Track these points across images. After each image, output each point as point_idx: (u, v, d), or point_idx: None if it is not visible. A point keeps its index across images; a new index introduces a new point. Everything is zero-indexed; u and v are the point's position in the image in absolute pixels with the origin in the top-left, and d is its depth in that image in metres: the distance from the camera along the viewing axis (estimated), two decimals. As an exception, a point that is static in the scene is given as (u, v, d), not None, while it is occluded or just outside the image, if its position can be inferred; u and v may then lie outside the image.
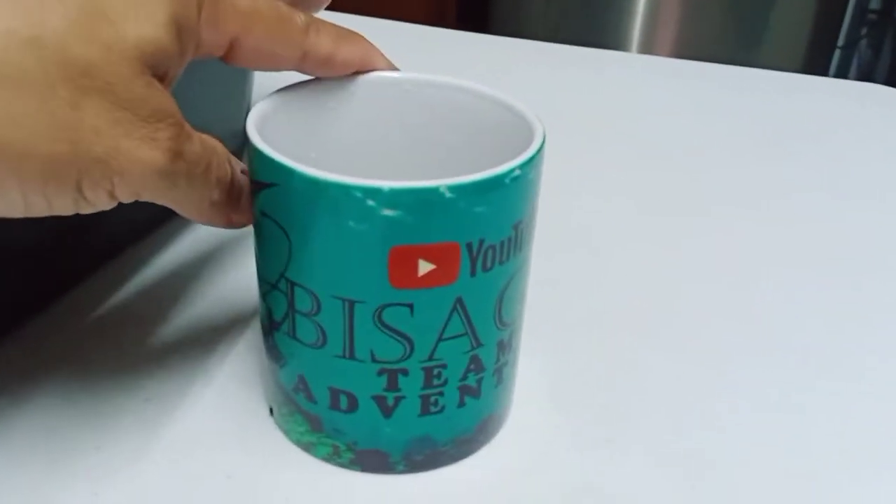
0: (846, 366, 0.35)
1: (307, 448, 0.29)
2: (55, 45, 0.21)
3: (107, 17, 0.22)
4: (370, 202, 0.23)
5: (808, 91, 0.64)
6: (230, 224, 0.28)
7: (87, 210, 0.23)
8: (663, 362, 0.35)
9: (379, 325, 0.25)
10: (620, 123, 0.57)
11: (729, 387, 0.34)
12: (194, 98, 0.39)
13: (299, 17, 0.27)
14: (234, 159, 0.28)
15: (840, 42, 2.01)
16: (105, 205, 0.23)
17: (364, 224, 0.24)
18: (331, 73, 0.29)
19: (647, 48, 1.61)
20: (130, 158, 0.22)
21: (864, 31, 2.14)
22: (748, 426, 0.32)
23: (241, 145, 0.45)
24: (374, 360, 0.26)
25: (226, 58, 0.27)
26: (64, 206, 0.23)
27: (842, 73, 2.18)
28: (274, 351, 0.28)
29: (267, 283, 0.27)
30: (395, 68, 0.30)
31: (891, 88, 0.64)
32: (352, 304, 0.25)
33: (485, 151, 0.29)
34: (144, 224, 0.42)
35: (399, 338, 0.26)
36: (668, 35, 1.62)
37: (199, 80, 0.38)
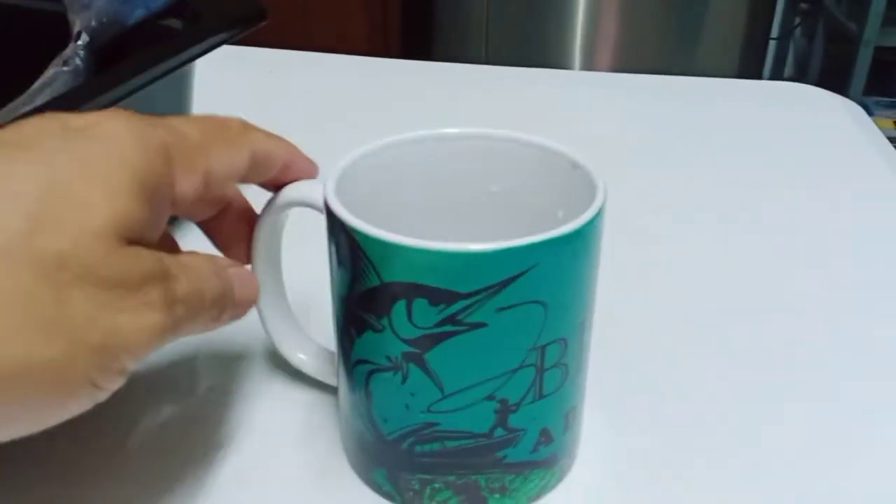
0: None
1: None
2: (21, 248, 0.20)
3: (69, 200, 0.21)
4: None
5: (740, 94, 0.66)
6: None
7: (104, 398, 0.22)
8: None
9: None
10: (564, 140, 0.58)
11: (778, 401, 0.34)
12: None
13: (233, 122, 0.28)
14: (217, 263, 0.27)
15: (774, 34, 2.06)
16: (119, 383, 0.23)
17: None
18: (269, 172, 0.29)
19: (588, 64, 1.64)
20: (132, 331, 0.22)
21: (797, 21, 2.19)
22: (814, 455, 0.32)
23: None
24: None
25: (200, 197, 0.26)
26: (81, 405, 0.22)
27: (779, 64, 2.23)
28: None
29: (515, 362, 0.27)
30: (313, 165, 0.30)
31: (818, 88, 0.66)
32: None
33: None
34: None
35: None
36: (608, 49, 1.64)
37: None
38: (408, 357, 0.26)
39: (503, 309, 0.25)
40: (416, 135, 0.31)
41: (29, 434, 0.22)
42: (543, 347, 0.27)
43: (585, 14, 1.60)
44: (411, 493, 0.29)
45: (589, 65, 1.62)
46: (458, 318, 0.25)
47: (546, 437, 0.29)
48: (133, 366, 0.23)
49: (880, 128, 0.60)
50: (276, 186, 0.30)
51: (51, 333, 0.20)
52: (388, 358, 0.27)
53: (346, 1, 1.78)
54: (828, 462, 0.32)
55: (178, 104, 0.44)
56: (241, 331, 0.36)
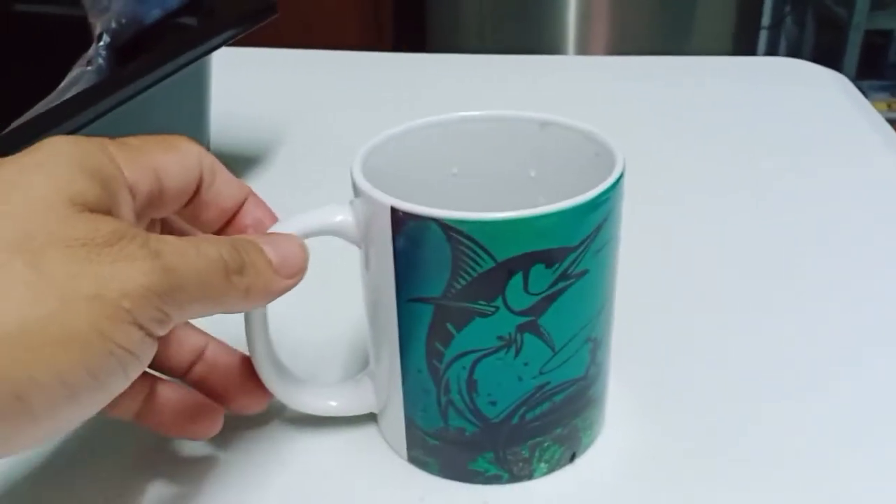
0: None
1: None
2: None
3: (12, 186, 0.22)
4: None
5: (733, 71, 0.68)
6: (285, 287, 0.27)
7: (133, 363, 0.23)
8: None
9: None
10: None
11: (813, 385, 0.35)
12: (153, 123, 0.42)
13: (178, 136, 0.28)
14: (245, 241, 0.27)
15: (766, 22, 2.08)
16: (145, 343, 0.23)
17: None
18: (224, 190, 0.29)
19: (583, 49, 1.65)
20: (122, 277, 0.22)
21: (787, 9, 2.21)
22: (840, 427, 0.33)
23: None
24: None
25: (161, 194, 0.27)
26: (110, 370, 0.22)
27: (771, 53, 2.25)
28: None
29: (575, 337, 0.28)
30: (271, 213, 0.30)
31: (808, 63, 0.68)
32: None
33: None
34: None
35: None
36: (602, 34, 1.66)
37: (156, 105, 0.40)
38: (522, 328, 0.27)
39: (599, 251, 0.27)
40: (422, 122, 0.32)
41: (89, 414, 0.23)
42: (614, 281, 0.30)
43: (577, 6, 1.62)
44: (521, 464, 0.30)
45: (584, 49, 1.65)
46: (569, 271, 0.27)
47: (609, 366, 0.32)
48: (149, 320, 0.22)
49: (876, 110, 0.61)
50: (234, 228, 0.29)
51: (38, 292, 0.21)
52: (500, 338, 0.27)
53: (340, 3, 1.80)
54: (867, 447, 0.32)
55: (197, 98, 0.46)
56: None
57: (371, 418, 0.33)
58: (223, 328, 0.31)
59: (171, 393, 0.29)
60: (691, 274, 0.42)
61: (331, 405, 0.32)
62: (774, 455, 0.31)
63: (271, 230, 0.29)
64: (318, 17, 1.72)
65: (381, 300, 0.29)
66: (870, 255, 0.43)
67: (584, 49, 1.68)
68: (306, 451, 0.32)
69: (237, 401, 0.31)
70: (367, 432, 0.33)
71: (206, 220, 0.29)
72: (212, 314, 0.25)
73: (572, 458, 0.31)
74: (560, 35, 1.66)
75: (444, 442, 0.30)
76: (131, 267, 0.22)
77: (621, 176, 0.28)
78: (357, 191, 0.28)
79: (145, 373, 0.28)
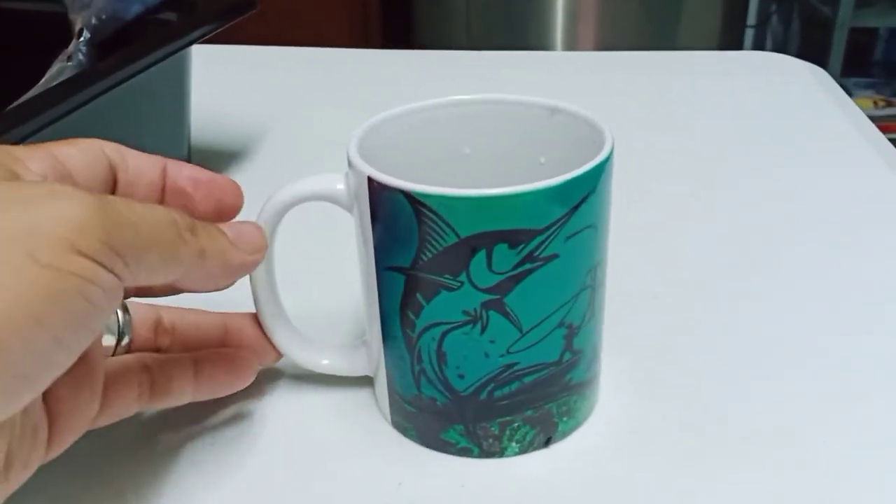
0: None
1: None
2: None
3: None
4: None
5: (717, 65, 0.69)
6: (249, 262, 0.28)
7: (96, 293, 0.22)
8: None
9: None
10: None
11: (812, 365, 0.36)
12: (134, 125, 0.42)
13: None
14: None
15: (752, 21, 2.09)
16: (109, 278, 0.22)
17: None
18: (141, 167, 0.29)
19: (571, 47, 1.66)
20: (57, 210, 0.22)
21: (773, 7, 2.23)
22: (829, 405, 0.33)
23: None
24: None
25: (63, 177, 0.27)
26: (73, 303, 0.21)
27: (757, 51, 2.26)
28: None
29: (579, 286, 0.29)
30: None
31: (788, 57, 0.69)
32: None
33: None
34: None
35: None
36: (589, 33, 1.67)
37: (136, 98, 0.41)
38: (487, 305, 0.28)
39: (570, 237, 0.28)
40: (413, 106, 0.33)
41: (76, 352, 0.22)
42: (595, 269, 0.30)
43: (565, 5, 1.63)
44: (491, 440, 0.31)
45: (571, 46, 1.66)
46: (535, 254, 0.27)
47: (595, 354, 0.32)
48: (97, 251, 0.22)
49: (861, 108, 0.62)
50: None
51: None
52: (465, 312, 0.28)
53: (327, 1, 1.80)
54: (850, 424, 0.32)
55: (176, 92, 0.47)
56: None
57: (369, 383, 0.34)
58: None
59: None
60: (675, 263, 0.43)
61: (322, 363, 0.34)
62: (763, 440, 0.31)
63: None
64: (305, 14, 1.73)
65: (366, 267, 0.30)
66: (847, 243, 0.44)
67: (571, 47, 1.69)
68: (301, 407, 0.34)
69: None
70: (363, 396, 0.34)
71: (141, 199, 0.29)
72: (174, 275, 0.25)
73: (547, 442, 0.31)
74: (548, 33, 1.67)
75: (419, 410, 0.31)
76: (66, 200, 0.22)
77: (599, 165, 0.28)
78: (348, 161, 0.29)
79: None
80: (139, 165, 0.29)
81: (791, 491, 0.29)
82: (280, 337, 0.33)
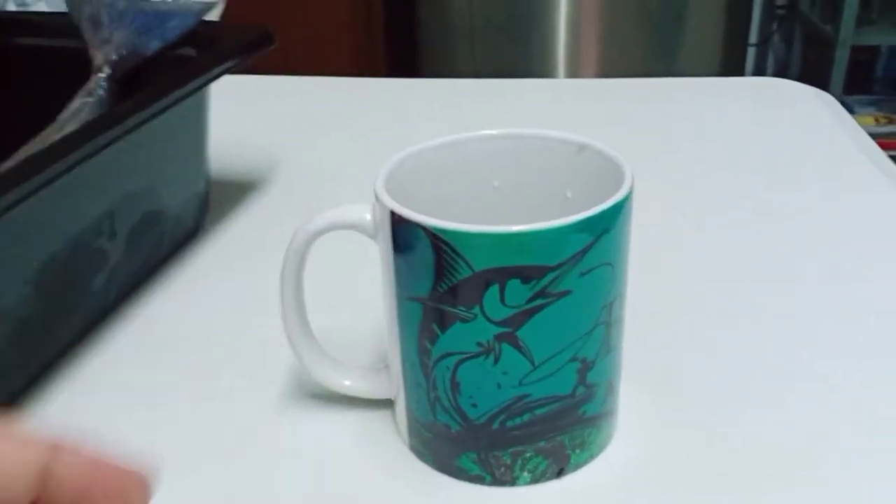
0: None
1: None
2: None
3: None
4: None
5: (719, 91, 0.70)
6: None
7: None
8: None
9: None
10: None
11: (819, 379, 0.37)
12: (153, 161, 0.43)
13: None
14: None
15: (753, 40, 2.11)
16: None
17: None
18: None
19: (574, 70, 1.68)
20: None
21: (774, 26, 2.24)
22: (852, 431, 0.34)
23: (200, 206, 0.49)
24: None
25: None
26: None
27: (759, 70, 2.28)
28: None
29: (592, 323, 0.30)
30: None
31: (793, 82, 0.70)
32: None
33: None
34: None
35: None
36: (592, 54, 1.69)
37: (157, 136, 0.42)
38: (500, 338, 0.29)
39: (584, 274, 0.28)
40: (436, 143, 0.34)
41: None
42: (611, 305, 0.30)
43: (567, 25, 1.65)
44: (503, 469, 0.31)
45: (574, 72, 1.67)
46: (548, 290, 0.28)
47: (611, 388, 0.32)
48: None
49: (863, 125, 0.63)
50: None
51: None
52: (479, 344, 0.29)
53: (332, 24, 1.82)
54: (875, 451, 0.33)
55: (196, 127, 0.48)
56: (268, 363, 0.38)
57: (389, 405, 0.35)
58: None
59: None
60: (688, 288, 0.43)
61: (345, 384, 0.35)
62: (782, 473, 0.32)
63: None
64: (310, 42, 1.75)
65: (388, 295, 0.31)
66: (858, 264, 0.45)
67: (574, 70, 1.69)
68: (322, 425, 0.35)
69: None
70: (383, 418, 0.35)
71: None
72: None
73: (559, 473, 0.32)
74: (550, 57, 1.69)
75: (434, 435, 0.32)
76: None
77: (615, 206, 0.28)
78: (374, 194, 0.31)
79: None
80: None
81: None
82: (307, 357, 0.34)
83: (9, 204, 0.31)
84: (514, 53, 1.67)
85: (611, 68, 1.66)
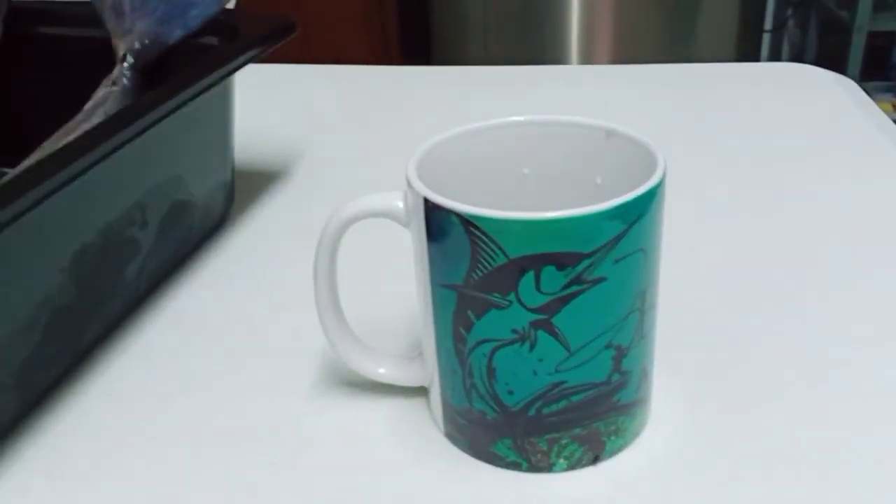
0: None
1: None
2: None
3: None
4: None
5: (738, 77, 0.69)
6: None
7: None
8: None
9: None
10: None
11: (853, 375, 0.36)
12: (180, 151, 0.43)
13: None
14: None
15: (768, 26, 2.09)
16: None
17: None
18: None
19: (587, 57, 1.67)
20: None
21: (789, 12, 2.23)
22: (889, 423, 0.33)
23: (227, 196, 0.48)
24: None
25: None
26: None
27: (774, 56, 2.26)
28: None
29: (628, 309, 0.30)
30: None
31: (812, 67, 0.69)
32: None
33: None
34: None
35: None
36: (605, 41, 1.68)
37: (184, 126, 0.42)
38: (536, 324, 0.29)
39: (619, 260, 0.28)
40: (464, 129, 0.34)
41: None
42: (645, 292, 0.30)
43: (581, 13, 1.64)
44: (539, 455, 0.31)
45: (587, 61, 1.67)
46: (583, 276, 0.28)
47: (645, 375, 0.32)
48: None
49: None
50: None
51: None
52: (514, 331, 0.29)
53: (345, 13, 1.82)
54: None
55: (222, 116, 0.48)
56: (297, 354, 0.38)
57: (421, 393, 0.35)
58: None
59: None
60: (716, 275, 0.43)
61: (380, 371, 0.35)
62: (818, 460, 0.31)
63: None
64: (323, 31, 1.74)
65: (421, 283, 0.31)
66: (886, 251, 0.45)
67: (588, 57, 1.69)
68: (357, 412, 0.35)
69: None
70: (416, 405, 0.35)
71: None
72: None
73: (595, 460, 0.32)
74: (563, 45, 1.68)
75: (469, 422, 0.32)
76: None
77: (648, 192, 0.28)
78: (407, 181, 0.30)
79: None
80: None
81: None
82: (341, 345, 0.34)
83: (45, 193, 0.32)
84: (527, 41, 1.67)
85: (624, 56, 1.65)
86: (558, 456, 0.31)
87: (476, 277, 0.28)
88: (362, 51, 1.84)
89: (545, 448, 0.31)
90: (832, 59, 1.94)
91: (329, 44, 1.74)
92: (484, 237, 0.28)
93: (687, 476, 0.31)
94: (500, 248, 0.28)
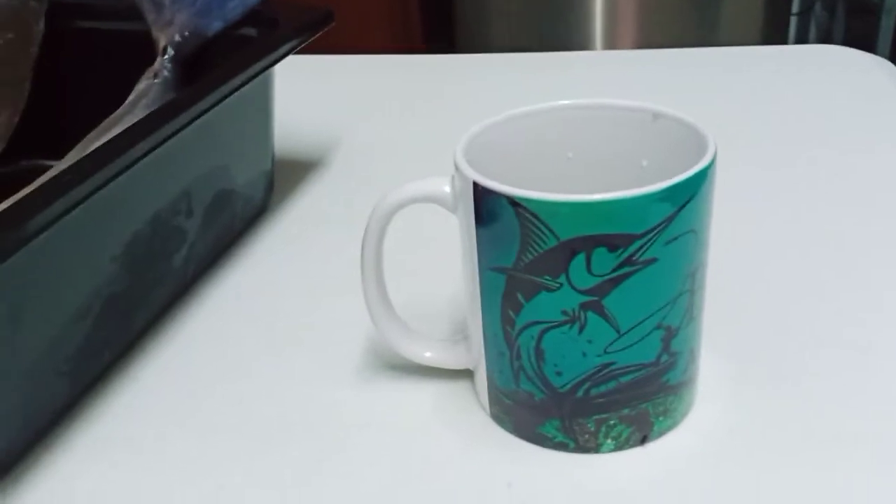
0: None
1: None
2: None
3: None
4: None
5: (767, 60, 0.69)
6: None
7: None
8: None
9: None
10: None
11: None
12: (225, 141, 0.44)
13: None
14: None
15: (795, 9, 2.07)
16: None
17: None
18: None
19: (610, 44, 1.66)
20: None
21: (816, -6, 2.20)
22: None
23: (267, 185, 0.49)
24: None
25: None
26: None
27: (801, 40, 2.23)
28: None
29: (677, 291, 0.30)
30: None
31: (846, 48, 0.69)
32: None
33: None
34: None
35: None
36: (628, 31, 1.67)
37: (229, 126, 0.43)
38: (586, 306, 0.29)
39: (670, 242, 0.28)
40: (515, 112, 0.34)
41: None
42: (695, 273, 0.30)
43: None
44: (587, 436, 0.32)
45: (610, 46, 1.66)
46: (634, 258, 0.28)
47: (692, 356, 0.32)
48: None
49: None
50: None
51: None
52: (564, 312, 0.29)
53: (367, 1, 1.82)
54: None
55: (263, 107, 0.48)
56: (340, 340, 0.39)
57: (467, 375, 0.36)
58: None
59: None
60: (764, 257, 0.43)
61: (426, 355, 0.35)
62: (865, 444, 0.31)
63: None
64: (346, 20, 1.75)
65: (469, 266, 0.32)
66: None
67: (611, 42, 1.68)
68: (403, 394, 0.36)
69: None
70: (462, 388, 0.36)
71: None
72: None
73: (643, 440, 0.32)
74: (587, 30, 1.67)
75: (516, 403, 0.32)
76: None
77: (700, 172, 0.28)
78: (455, 165, 0.31)
79: None
80: None
81: None
82: (387, 329, 0.35)
83: (98, 184, 0.32)
84: (551, 27, 1.66)
85: (648, 41, 1.64)
86: (606, 436, 0.32)
87: (526, 260, 0.29)
88: (384, 38, 1.84)
89: (593, 428, 0.32)
90: (860, 42, 1.91)
91: (351, 31, 1.74)
92: (535, 220, 0.28)
93: (735, 457, 0.32)
94: (550, 231, 0.28)
